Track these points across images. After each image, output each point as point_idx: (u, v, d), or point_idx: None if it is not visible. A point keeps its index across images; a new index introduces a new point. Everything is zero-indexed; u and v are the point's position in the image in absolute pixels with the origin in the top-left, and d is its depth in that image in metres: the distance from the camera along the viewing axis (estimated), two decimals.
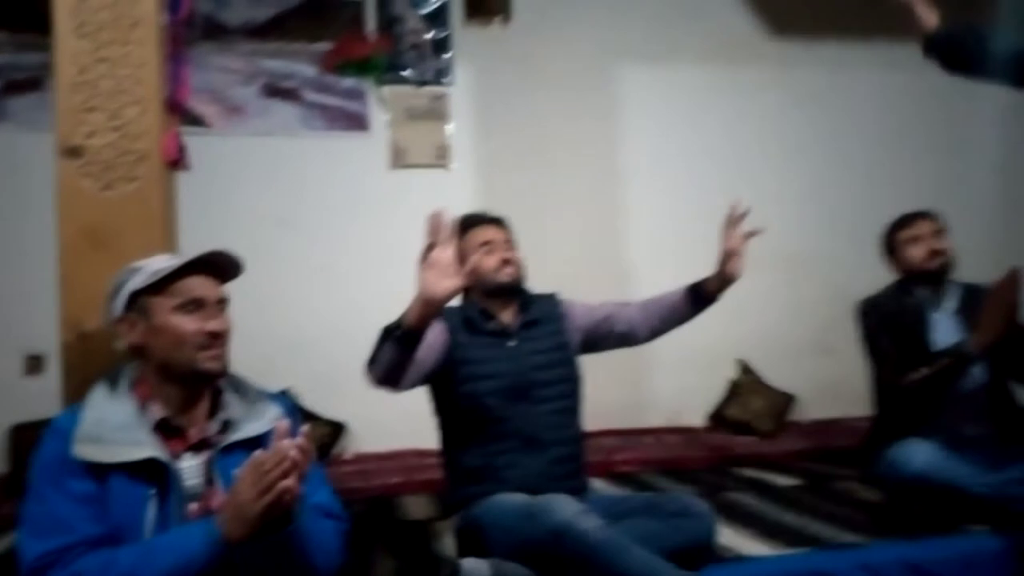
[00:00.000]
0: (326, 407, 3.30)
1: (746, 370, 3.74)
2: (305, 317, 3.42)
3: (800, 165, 3.97)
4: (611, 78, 3.85)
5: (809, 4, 3.97)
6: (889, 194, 3.86)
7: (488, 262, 2.03)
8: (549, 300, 2.20)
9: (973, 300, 2.30)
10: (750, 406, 3.60)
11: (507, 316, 2.11)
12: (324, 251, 3.51)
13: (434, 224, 1.67)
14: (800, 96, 3.99)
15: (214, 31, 3.42)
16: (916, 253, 2.37)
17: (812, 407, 3.80)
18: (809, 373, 3.78)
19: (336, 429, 3.32)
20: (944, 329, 2.30)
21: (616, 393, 3.58)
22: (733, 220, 2.11)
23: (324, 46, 3.51)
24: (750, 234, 2.10)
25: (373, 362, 1.75)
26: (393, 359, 1.70)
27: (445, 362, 1.99)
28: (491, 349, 2.04)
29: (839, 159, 4.01)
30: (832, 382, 3.63)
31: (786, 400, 3.69)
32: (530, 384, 2.02)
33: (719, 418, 3.67)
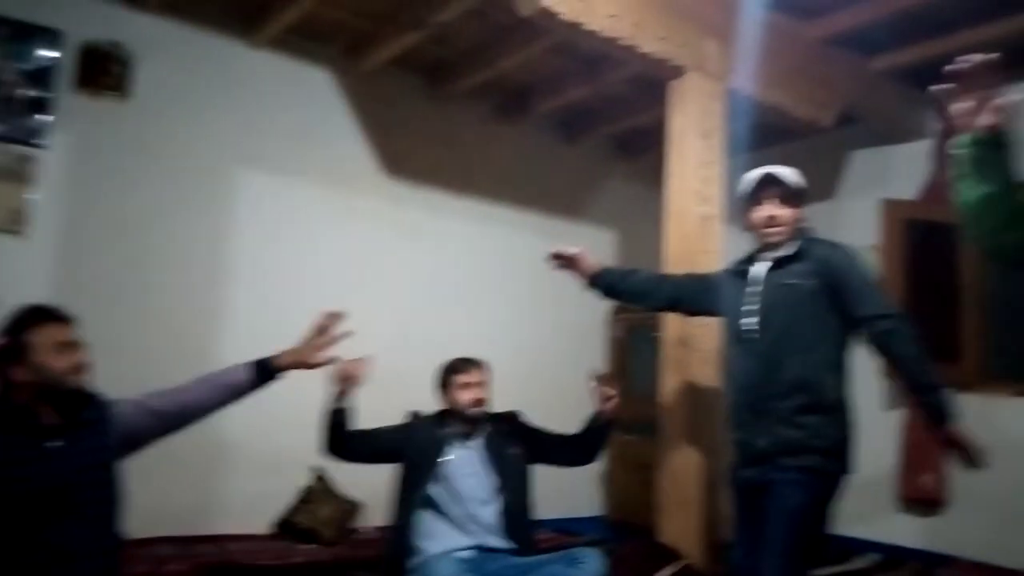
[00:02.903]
0: None
1: (319, 477, 3.88)
2: None
3: (400, 292, 4.41)
4: (227, 180, 3.91)
5: (414, 152, 4.54)
6: (468, 327, 4.55)
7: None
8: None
9: (497, 429, 2.78)
10: (318, 513, 3.73)
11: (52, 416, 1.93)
12: None
13: None
14: (408, 231, 4.48)
15: None
16: (465, 397, 2.77)
17: (379, 513, 4.07)
18: (380, 479, 4.06)
19: None
20: (464, 462, 2.71)
21: (178, 497, 3.45)
22: (322, 329, 2.32)
23: None
24: (340, 337, 2.30)
25: None
26: None
27: None
28: (26, 450, 1.86)
29: (432, 289, 4.55)
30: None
31: (352, 507, 3.90)
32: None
33: (287, 525, 3.72)
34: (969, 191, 1.46)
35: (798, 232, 2.28)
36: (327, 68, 4.25)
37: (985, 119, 1.42)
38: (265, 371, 2.26)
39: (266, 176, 4.03)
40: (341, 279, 4.22)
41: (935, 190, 4.25)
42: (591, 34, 3.02)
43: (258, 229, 3.99)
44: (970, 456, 2.10)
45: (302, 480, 3.85)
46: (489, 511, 2.68)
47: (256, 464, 3.76)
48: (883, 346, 2.14)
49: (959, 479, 4.05)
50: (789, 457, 2.11)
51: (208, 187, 3.86)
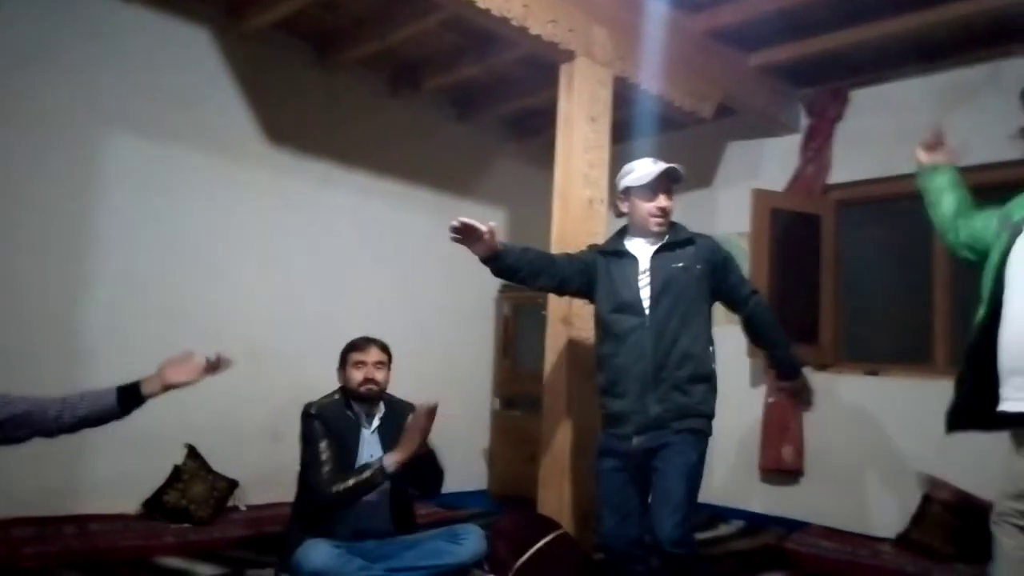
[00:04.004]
0: None
1: (192, 455, 3.75)
2: None
3: (275, 265, 4.28)
4: (93, 142, 3.66)
5: (300, 121, 4.40)
6: (355, 304, 4.49)
7: None
8: None
9: (396, 417, 2.74)
10: (190, 492, 3.60)
11: None
12: None
13: None
14: (292, 203, 4.35)
15: None
16: (357, 376, 2.73)
17: (256, 492, 3.99)
18: (256, 459, 3.98)
19: None
20: (370, 444, 2.71)
21: (38, 477, 3.26)
22: (208, 368, 2.22)
23: None
24: (214, 367, 2.24)
25: None
26: None
27: None
28: None
29: (316, 265, 4.44)
30: (277, 468, 3.86)
31: (228, 486, 3.79)
32: None
33: (156, 504, 3.58)
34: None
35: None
36: (207, 28, 4.04)
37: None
38: (131, 397, 2.16)
39: (137, 139, 3.80)
40: (219, 251, 4.07)
41: (801, 182, 4.54)
42: (482, 12, 3.02)
43: (128, 196, 3.77)
44: (807, 399, 2.67)
45: (174, 458, 3.72)
46: (376, 493, 2.67)
47: (124, 441, 3.57)
48: (755, 316, 2.55)
49: (813, 451, 4.39)
50: (681, 421, 2.35)
51: (72, 149, 3.60)
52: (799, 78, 4.52)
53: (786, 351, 2.61)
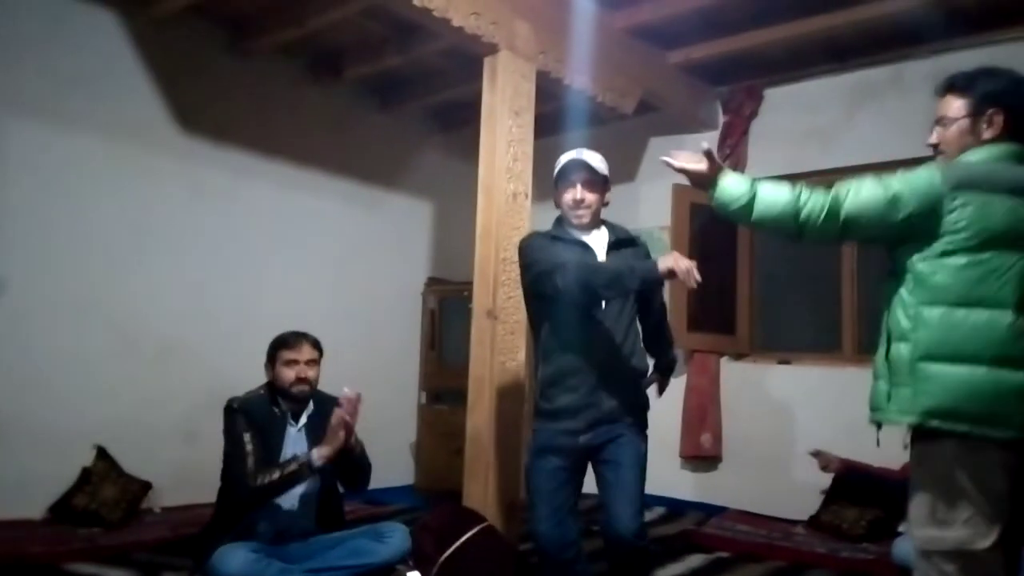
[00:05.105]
0: None
1: (102, 456, 3.60)
2: None
3: (189, 258, 4.13)
4: None
5: (213, 108, 4.25)
6: (273, 296, 4.37)
7: None
8: None
9: (324, 413, 2.65)
10: (100, 494, 3.46)
11: None
12: None
13: None
14: (205, 192, 4.19)
15: None
16: (288, 375, 2.65)
17: (171, 494, 3.85)
18: (170, 458, 3.84)
19: None
20: (295, 441, 2.65)
21: None
22: None
23: None
24: None
25: None
26: None
27: None
28: None
29: (234, 257, 4.30)
30: (193, 468, 3.74)
31: (141, 487, 3.65)
32: None
33: (64, 508, 3.42)
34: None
35: (597, 216, 2.46)
36: (113, 10, 3.86)
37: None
38: None
39: (39, 127, 3.60)
40: (129, 243, 3.90)
41: None
42: (404, 2, 2.98)
43: (30, 186, 3.57)
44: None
45: (83, 459, 3.55)
46: (300, 492, 2.62)
47: (26, 441, 3.40)
48: (661, 324, 2.66)
49: (731, 438, 4.54)
50: (631, 415, 2.38)
51: None
52: (716, 76, 4.64)
53: (671, 357, 2.71)
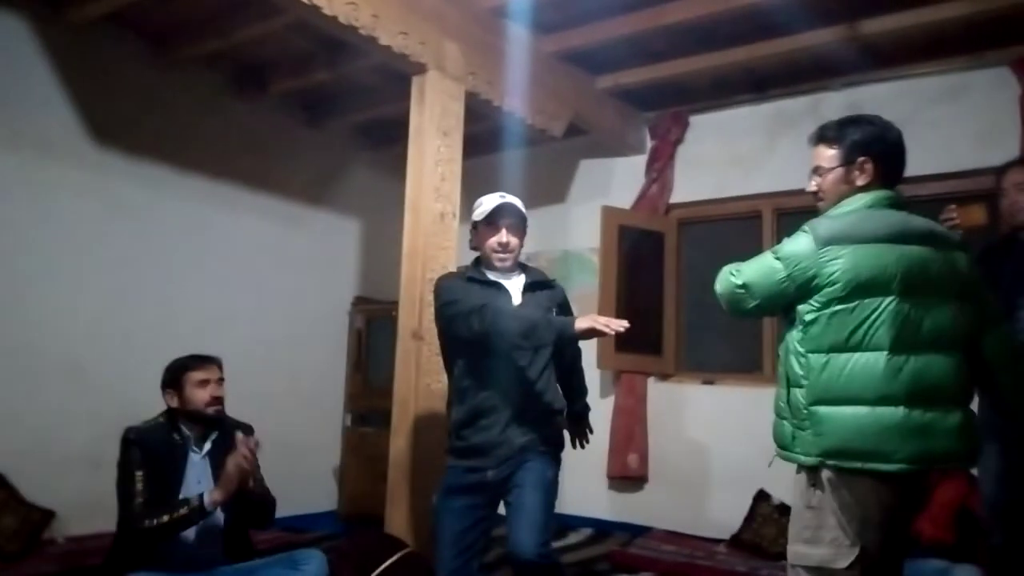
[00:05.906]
0: None
1: (2, 485, 3.38)
2: None
3: (100, 276, 3.94)
4: None
5: (130, 121, 4.09)
6: (190, 316, 4.21)
7: None
8: None
9: (230, 439, 2.51)
10: None
11: None
12: None
13: None
14: (119, 208, 4.02)
15: None
16: (202, 396, 2.52)
17: (76, 523, 3.65)
18: (77, 486, 3.64)
19: None
20: (198, 469, 2.52)
21: None
22: None
23: None
24: None
25: None
26: None
27: None
28: None
29: (147, 275, 4.12)
30: (100, 495, 3.53)
31: (43, 516, 3.45)
32: None
33: None
34: None
35: (517, 259, 2.51)
36: (23, 16, 3.68)
37: None
38: None
39: None
40: (35, 258, 3.70)
41: (646, 201, 4.75)
42: (329, 19, 2.94)
43: None
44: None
45: None
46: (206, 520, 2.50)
47: None
48: (576, 365, 2.73)
49: (656, 458, 4.58)
50: (544, 445, 2.40)
51: None
52: (644, 102, 4.74)
53: (582, 406, 2.77)
